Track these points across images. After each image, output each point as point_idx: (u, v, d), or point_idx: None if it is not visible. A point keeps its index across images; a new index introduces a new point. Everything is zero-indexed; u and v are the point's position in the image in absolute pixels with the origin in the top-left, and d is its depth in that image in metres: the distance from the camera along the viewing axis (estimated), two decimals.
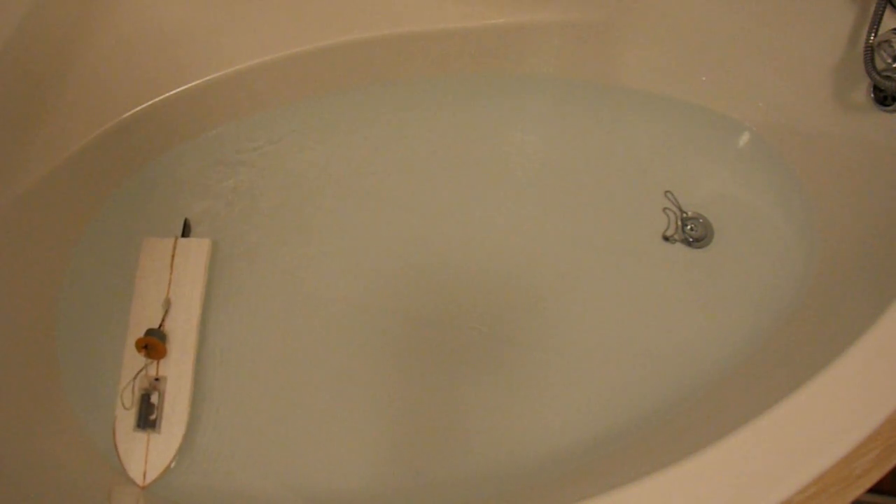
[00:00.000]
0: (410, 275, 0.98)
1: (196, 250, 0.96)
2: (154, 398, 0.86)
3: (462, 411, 0.89)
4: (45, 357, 0.90)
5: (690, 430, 0.78)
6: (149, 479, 0.83)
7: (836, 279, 0.87)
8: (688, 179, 1.04)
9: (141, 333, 0.89)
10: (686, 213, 1.01)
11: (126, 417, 0.86)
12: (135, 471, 0.83)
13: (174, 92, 1.00)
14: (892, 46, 0.83)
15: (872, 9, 0.82)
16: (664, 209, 1.02)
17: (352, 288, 0.98)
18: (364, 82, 1.12)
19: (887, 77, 0.82)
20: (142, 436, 0.85)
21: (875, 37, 0.83)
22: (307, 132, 1.10)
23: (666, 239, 1.00)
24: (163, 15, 0.99)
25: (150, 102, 0.99)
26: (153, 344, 0.87)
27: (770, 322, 0.91)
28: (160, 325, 0.91)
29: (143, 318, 0.91)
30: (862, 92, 0.91)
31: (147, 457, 0.84)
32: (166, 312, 0.91)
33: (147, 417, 0.85)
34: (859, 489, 0.55)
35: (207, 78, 1.01)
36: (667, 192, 1.03)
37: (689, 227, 1.00)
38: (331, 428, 0.89)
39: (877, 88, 0.88)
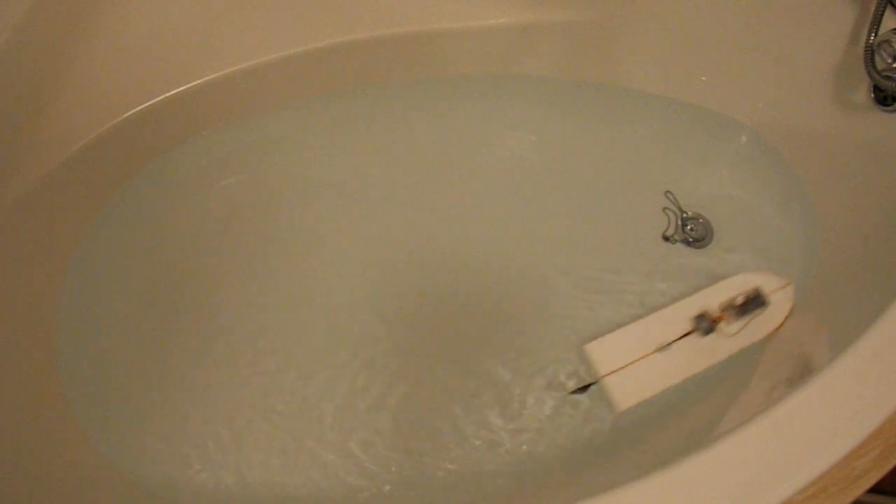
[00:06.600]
0: (410, 276, 0.98)
1: None
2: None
3: (463, 412, 0.89)
4: (45, 358, 0.90)
5: (690, 430, 0.78)
6: None
7: (835, 279, 0.87)
8: (688, 179, 1.04)
9: None
10: (686, 213, 1.01)
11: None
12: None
13: (173, 92, 1.00)
14: (892, 46, 0.82)
15: (872, 9, 0.82)
16: (664, 209, 1.02)
17: (352, 289, 0.98)
18: (364, 83, 1.12)
19: (887, 77, 0.82)
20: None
21: (875, 37, 0.82)
22: (307, 133, 1.10)
23: (666, 239, 1.00)
24: (162, 15, 0.99)
25: (149, 103, 0.99)
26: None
27: None
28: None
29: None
30: (862, 92, 0.90)
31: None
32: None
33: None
34: (859, 489, 0.55)
35: (206, 78, 1.01)
36: (667, 192, 1.03)
37: (689, 227, 1.00)
38: (331, 427, 0.89)
39: (877, 88, 0.88)
